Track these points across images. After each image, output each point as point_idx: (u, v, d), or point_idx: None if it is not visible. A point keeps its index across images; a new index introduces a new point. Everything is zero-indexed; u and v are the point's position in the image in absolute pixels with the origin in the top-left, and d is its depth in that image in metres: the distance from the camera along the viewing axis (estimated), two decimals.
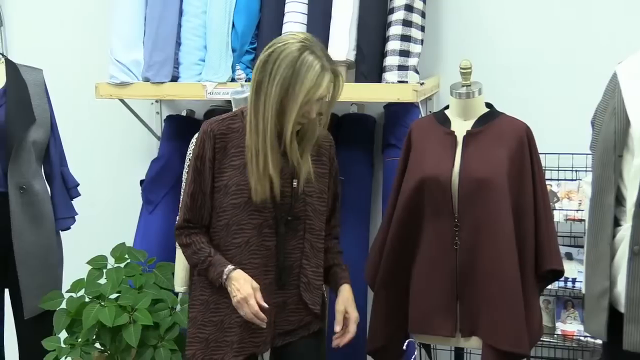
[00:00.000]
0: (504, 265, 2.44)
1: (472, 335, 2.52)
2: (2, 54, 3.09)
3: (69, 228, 3.17)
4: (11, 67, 3.01)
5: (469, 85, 2.58)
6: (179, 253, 2.94)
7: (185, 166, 2.84)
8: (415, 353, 2.68)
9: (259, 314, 2.25)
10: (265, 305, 2.26)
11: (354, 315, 2.42)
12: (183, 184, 2.85)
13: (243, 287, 2.25)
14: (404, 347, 2.66)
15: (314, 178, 2.34)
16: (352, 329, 2.42)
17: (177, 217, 2.43)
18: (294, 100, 2.16)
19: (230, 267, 2.29)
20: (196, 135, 2.82)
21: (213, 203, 2.34)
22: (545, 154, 2.83)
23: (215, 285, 2.32)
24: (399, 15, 2.94)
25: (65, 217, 3.14)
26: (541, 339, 2.65)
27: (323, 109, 2.29)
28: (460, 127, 2.58)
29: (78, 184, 3.19)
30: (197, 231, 2.37)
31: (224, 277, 2.28)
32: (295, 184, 2.32)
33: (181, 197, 2.86)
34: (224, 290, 2.31)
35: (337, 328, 2.38)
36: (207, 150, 2.30)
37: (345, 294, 2.43)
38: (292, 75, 2.15)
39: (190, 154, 2.81)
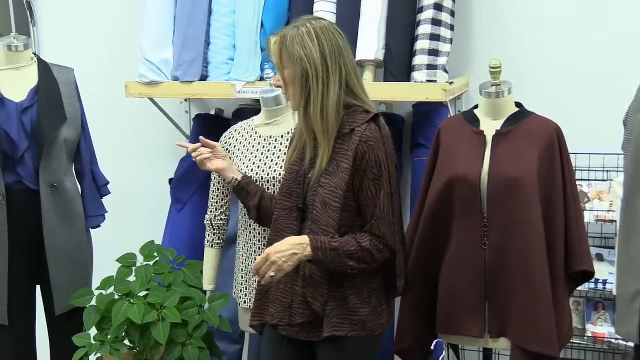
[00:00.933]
0: (534, 265, 2.42)
1: (501, 336, 2.51)
2: (35, 54, 3.13)
3: (99, 226, 3.20)
4: (43, 66, 3.05)
5: (499, 85, 2.56)
6: (207, 251, 2.96)
7: None
8: (444, 353, 2.66)
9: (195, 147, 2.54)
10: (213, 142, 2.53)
11: (268, 249, 2.26)
12: (212, 182, 2.87)
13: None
14: (432, 348, 2.65)
15: (332, 170, 2.26)
16: (258, 259, 2.25)
17: None
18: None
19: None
20: (225, 134, 2.84)
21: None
22: (576, 154, 2.80)
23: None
24: (428, 14, 2.93)
25: (95, 215, 3.16)
26: (571, 341, 2.63)
27: (285, 81, 2.31)
28: (490, 126, 2.56)
29: (108, 182, 3.21)
30: None
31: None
32: (310, 173, 2.31)
33: (210, 194, 2.88)
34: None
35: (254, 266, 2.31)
36: None
37: (290, 237, 2.28)
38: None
39: None
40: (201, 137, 2.60)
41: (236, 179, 2.56)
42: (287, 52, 2.26)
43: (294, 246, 2.24)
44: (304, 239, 2.24)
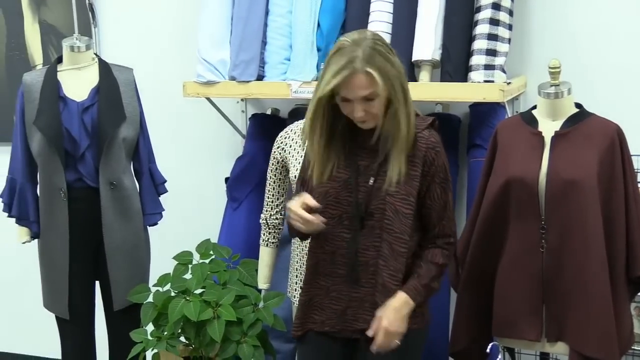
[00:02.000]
0: (593, 269, 2.38)
1: (558, 340, 2.47)
2: (96, 54, 3.18)
3: (156, 223, 3.24)
4: (104, 66, 3.10)
5: (558, 85, 2.53)
6: (262, 250, 2.98)
7: (270, 164, 2.86)
8: (499, 357, 2.63)
9: (315, 221, 2.25)
10: (315, 203, 2.25)
11: (383, 324, 2.26)
12: (268, 182, 2.88)
13: (289, 205, 2.28)
14: (487, 350, 2.62)
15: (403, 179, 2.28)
16: (379, 338, 2.25)
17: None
18: (316, 93, 2.21)
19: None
20: (281, 134, 2.85)
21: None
22: (637, 155, 2.74)
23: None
24: (486, 13, 2.90)
25: (153, 213, 3.20)
26: (632, 347, 2.57)
27: (374, 109, 2.22)
28: (548, 127, 2.53)
29: (165, 181, 3.25)
30: None
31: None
32: (372, 181, 2.29)
33: (266, 194, 2.90)
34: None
35: (369, 332, 2.29)
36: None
37: (392, 301, 2.28)
38: (326, 64, 2.21)
39: (275, 152, 2.84)
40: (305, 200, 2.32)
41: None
42: (377, 82, 2.17)
43: (401, 309, 2.27)
44: (403, 297, 2.27)
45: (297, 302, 2.57)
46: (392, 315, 2.25)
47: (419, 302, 2.30)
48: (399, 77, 2.23)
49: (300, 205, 2.24)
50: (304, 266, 2.64)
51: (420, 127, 2.29)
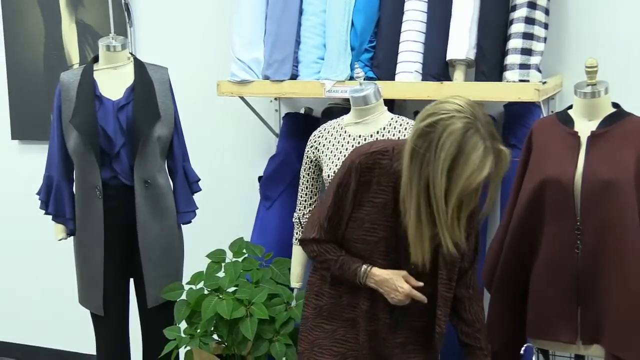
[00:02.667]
0: (631, 270, 2.34)
1: (594, 343, 2.44)
2: (131, 53, 3.21)
3: (190, 222, 3.26)
4: (139, 66, 3.13)
5: (595, 85, 2.49)
6: (295, 249, 2.98)
7: (303, 163, 2.87)
8: (533, 359, 2.61)
9: (420, 297, 2.26)
10: (420, 283, 2.26)
11: None
12: (301, 180, 2.89)
13: (398, 285, 2.24)
14: (521, 352, 2.60)
15: None
16: None
17: (304, 232, 2.38)
18: (456, 180, 2.03)
19: (364, 265, 2.27)
20: (315, 133, 2.85)
21: (346, 230, 2.31)
22: None
23: (349, 282, 2.31)
24: (521, 12, 2.88)
25: (186, 211, 3.22)
26: None
27: (492, 189, 2.17)
28: (585, 127, 2.50)
29: (199, 179, 3.27)
30: (330, 244, 2.34)
31: (361, 274, 2.26)
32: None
33: (299, 193, 2.90)
34: (343, 304, 2.35)
35: None
36: (352, 180, 2.24)
37: None
38: (457, 155, 2.01)
39: (308, 151, 2.84)
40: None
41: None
42: (503, 165, 2.11)
43: None
44: None
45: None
46: None
47: None
48: None
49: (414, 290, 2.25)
50: None
51: None
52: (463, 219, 2.14)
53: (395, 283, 2.24)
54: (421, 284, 2.26)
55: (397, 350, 2.35)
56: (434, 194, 2.05)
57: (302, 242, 2.38)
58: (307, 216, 2.90)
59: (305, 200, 2.89)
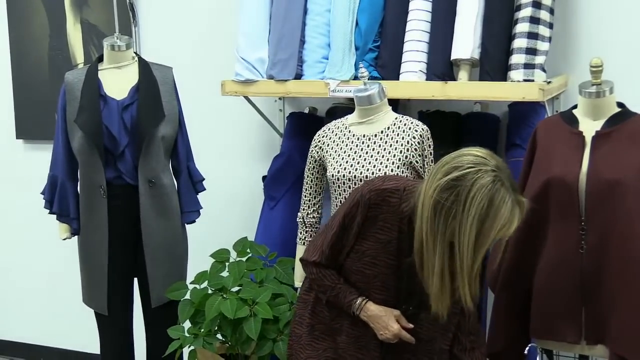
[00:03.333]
0: (635, 271, 2.34)
1: (598, 343, 2.44)
2: (136, 53, 3.22)
3: (194, 221, 3.26)
4: (143, 65, 3.13)
5: (600, 84, 2.49)
6: (299, 249, 2.98)
7: (307, 163, 2.87)
8: (537, 358, 2.61)
9: (409, 338, 2.29)
10: (411, 325, 2.28)
11: None
12: (305, 180, 2.88)
13: (389, 324, 2.26)
14: (525, 352, 2.60)
15: None
16: None
17: (306, 252, 2.39)
18: (486, 234, 2.01)
19: (360, 298, 2.29)
20: (319, 132, 2.85)
21: (346, 259, 2.32)
22: None
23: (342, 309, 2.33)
24: (526, 12, 2.87)
25: (190, 211, 3.22)
26: None
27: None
28: (589, 127, 2.49)
29: (203, 179, 3.27)
30: (329, 270, 2.35)
31: (356, 307, 2.29)
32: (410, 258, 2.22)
33: (302, 192, 2.90)
34: (334, 326, 2.36)
35: None
36: (359, 214, 2.24)
37: None
38: (488, 209, 1.99)
39: (312, 150, 2.84)
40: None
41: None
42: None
43: None
44: None
45: None
46: None
47: None
48: None
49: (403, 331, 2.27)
50: None
51: None
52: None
53: (387, 321, 2.26)
54: (411, 325, 2.27)
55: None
56: (460, 248, 2.02)
57: (303, 262, 2.40)
58: (311, 216, 2.91)
59: (309, 200, 2.89)
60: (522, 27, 2.87)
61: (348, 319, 2.35)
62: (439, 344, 2.32)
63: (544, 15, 2.88)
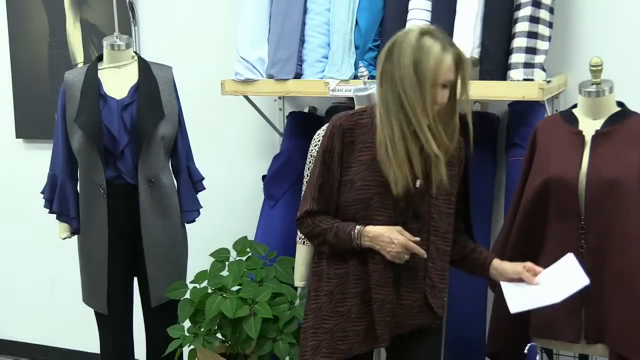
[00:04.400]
0: (635, 270, 2.34)
1: (598, 342, 2.44)
2: (135, 52, 3.22)
3: (194, 221, 3.26)
4: (143, 64, 3.13)
5: (599, 84, 2.49)
6: (299, 248, 2.98)
7: (307, 162, 2.87)
8: (537, 358, 2.60)
9: (420, 250, 2.28)
10: (416, 238, 2.28)
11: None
12: (305, 179, 2.88)
13: (393, 237, 2.26)
14: (525, 351, 2.60)
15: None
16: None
17: (299, 210, 2.42)
18: (424, 74, 2.17)
19: (358, 226, 2.30)
20: (319, 132, 2.85)
21: (339, 197, 2.35)
22: None
23: (346, 248, 2.32)
24: (525, 11, 2.87)
25: (190, 210, 3.22)
26: None
27: (463, 100, 2.27)
28: (589, 126, 2.49)
29: (203, 178, 3.27)
30: (323, 215, 2.38)
31: (356, 234, 2.29)
32: (418, 184, 2.29)
33: (303, 191, 2.90)
34: (350, 280, 2.34)
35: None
36: (335, 144, 2.31)
37: (505, 264, 2.40)
38: (417, 58, 2.17)
39: (312, 150, 2.84)
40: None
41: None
42: (465, 69, 2.24)
43: None
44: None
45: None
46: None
47: None
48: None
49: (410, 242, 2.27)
50: None
51: None
52: (446, 154, 2.25)
53: (390, 236, 2.26)
54: (417, 239, 2.28)
55: (403, 312, 2.35)
56: (407, 97, 2.17)
57: (298, 222, 2.42)
58: None
59: None
60: (521, 27, 2.87)
61: (359, 266, 2.33)
62: (442, 247, 2.36)
63: (543, 14, 2.88)
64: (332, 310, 2.37)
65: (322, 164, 2.34)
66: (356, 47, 3.10)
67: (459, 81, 2.25)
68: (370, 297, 2.32)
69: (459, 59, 2.22)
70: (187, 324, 3.06)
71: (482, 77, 2.93)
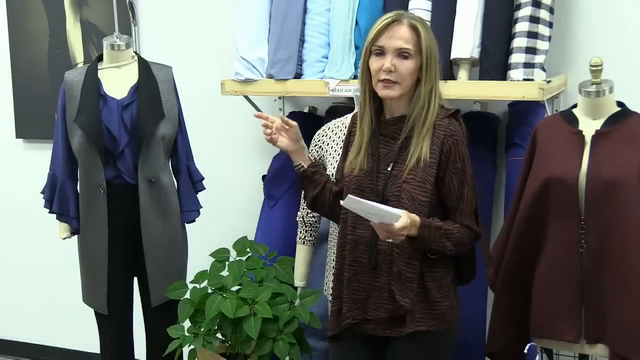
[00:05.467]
0: (635, 270, 2.34)
1: (598, 342, 2.44)
2: (135, 52, 3.22)
3: (194, 220, 3.25)
4: (143, 64, 3.13)
5: (599, 84, 2.49)
6: (299, 248, 2.98)
7: None
8: (537, 358, 2.61)
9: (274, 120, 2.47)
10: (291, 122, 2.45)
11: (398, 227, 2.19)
12: None
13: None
14: (525, 351, 2.60)
15: (415, 164, 2.27)
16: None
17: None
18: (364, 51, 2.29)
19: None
20: (319, 132, 2.85)
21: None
22: None
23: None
24: (525, 11, 2.87)
25: (190, 210, 3.22)
26: None
27: (404, 69, 2.25)
28: (589, 126, 2.49)
29: (203, 178, 3.27)
30: None
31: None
32: (390, 167, 2.29)
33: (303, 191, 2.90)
34: (331, 261, 2.45)
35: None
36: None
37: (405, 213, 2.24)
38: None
39: (312, 150, 2.84)
40: (280, 115, 2.61)
41: (302, 165, 2.51)
42: (417, 41, 2.24)
43: (410, 220, 2.20)
44: (416, 218, 2.22)
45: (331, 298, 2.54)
46: (404, 222, 2.19)
47: (424, 236, 2.24)
48: (437, 54, 2.28)
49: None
50: None
51: (440, 116, 2.30)
52: (418, 135, 2.27)
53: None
54: (294, 123, 2.47)
55: (376, 294, 2.33)
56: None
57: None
58: (311, 215, 2.91)
59: None
60: (521, 26, 2.87)
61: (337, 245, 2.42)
62: (419, 197, 2.28)
63: (543, 14, 2.88)
64: (352, 263, 2.38)
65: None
66: (356, 47, 3.10)
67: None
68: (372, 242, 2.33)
69: (413, 28, 2.25)
70: (187, 324, 3.06)
71: (482, 77, 2.94)
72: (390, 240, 2.21)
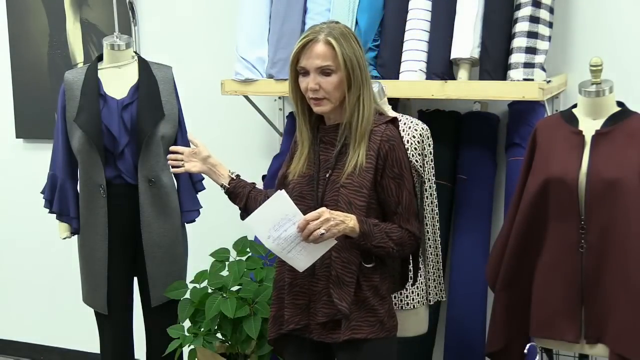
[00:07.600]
0: (635, 270, 2.34)
1: (598, 342, 2.44)
2: (135, 52, 3.22)
3: (193, 220, 3.26)
4: (143, 64, 3.13)
5: (599, 84, 2.49)
6: None
7: None
8: (537, 358, 2.61)
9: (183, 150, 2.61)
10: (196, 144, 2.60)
11: (320, 209, 2.20)
12: None
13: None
14: (525, 351, 2.60)
15: (352, 170, 2.27)
16: (310, 215, 2.19)
17: None
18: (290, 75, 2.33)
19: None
20: None
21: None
22: None
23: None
24: (525, 11, 2.87)
25: (190, 210, 3.23)
26: None
27: (329, 85, 2.25)
28: (589, 126, 2.49)
29: (203, 178, 3.26)
30: None
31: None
32: (328, 174, 2.30)
33: None
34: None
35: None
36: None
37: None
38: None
39: None
40: (190, 136, 2.67)
41: (223, 184, 2.61)
42: (336, 56, 2.24)
43: (345, 218, 2.21)
44: (354, 216, 2.24)
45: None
46: (335, 212, 2.20)
47: (364, 231, 2.23)
48: (360, 61, 2.26)
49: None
50: None
51: (377, 122, 2.31)
52: (355, 142, 2.28)
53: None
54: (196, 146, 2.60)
55: (315, 298, 2.33)
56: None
57: None
58: None
59: None
60: (521, 26, 2.87)
61: None
62: (356, 201, 2.27)
63: (543, 14, 2.88)
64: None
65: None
66: None
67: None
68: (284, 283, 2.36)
69: (328, 44, 2.24)
70: (187, 324, 3.06)
71: (482, 77, 2.94)
72: (322, 232, 2.17)
